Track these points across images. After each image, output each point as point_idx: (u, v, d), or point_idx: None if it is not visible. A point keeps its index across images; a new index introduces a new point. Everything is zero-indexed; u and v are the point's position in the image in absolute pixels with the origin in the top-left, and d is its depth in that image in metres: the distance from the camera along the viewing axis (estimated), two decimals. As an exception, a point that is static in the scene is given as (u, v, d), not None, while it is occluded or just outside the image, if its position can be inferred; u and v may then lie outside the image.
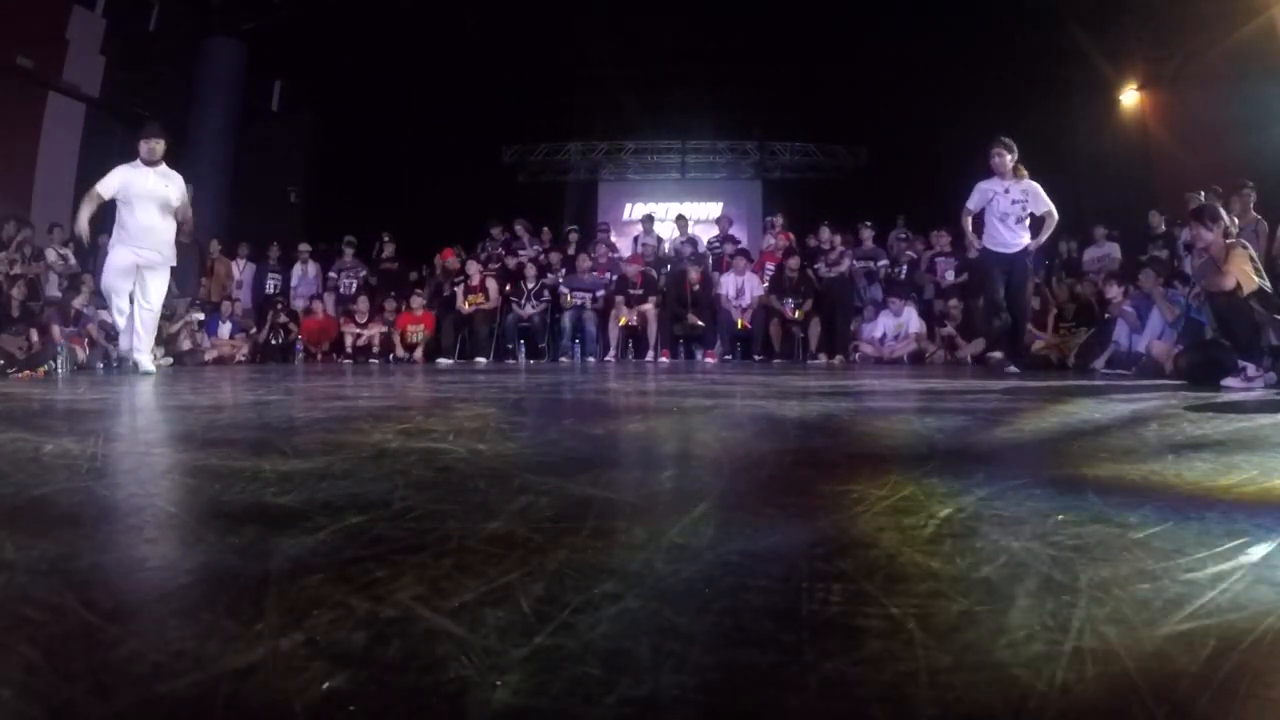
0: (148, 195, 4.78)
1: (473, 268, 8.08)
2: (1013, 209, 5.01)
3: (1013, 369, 4.87)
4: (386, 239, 8.97)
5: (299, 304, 8.65)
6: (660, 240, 9.56)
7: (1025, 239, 5.07)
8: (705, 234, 9.89)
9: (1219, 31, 6.74)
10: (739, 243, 9.01)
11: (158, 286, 4.90)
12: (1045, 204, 5.00)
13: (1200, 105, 6.88)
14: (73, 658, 0.52)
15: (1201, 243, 4.13)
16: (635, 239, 9.44)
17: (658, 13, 9.35)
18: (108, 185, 4.76)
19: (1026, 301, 5.36)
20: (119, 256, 4.82)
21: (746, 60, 10.16)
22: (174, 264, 5.00)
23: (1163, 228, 6.79)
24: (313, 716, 0.44)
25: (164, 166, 4.87)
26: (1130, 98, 8.34)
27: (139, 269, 4.82)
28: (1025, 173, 5.03)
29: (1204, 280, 4.07)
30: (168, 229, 4.88)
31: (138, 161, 4.83)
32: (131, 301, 4.86)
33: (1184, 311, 4.90)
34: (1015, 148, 5.02)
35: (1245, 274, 3.74)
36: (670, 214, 11.63)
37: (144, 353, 4.89)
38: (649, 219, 9.79)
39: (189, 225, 5.10)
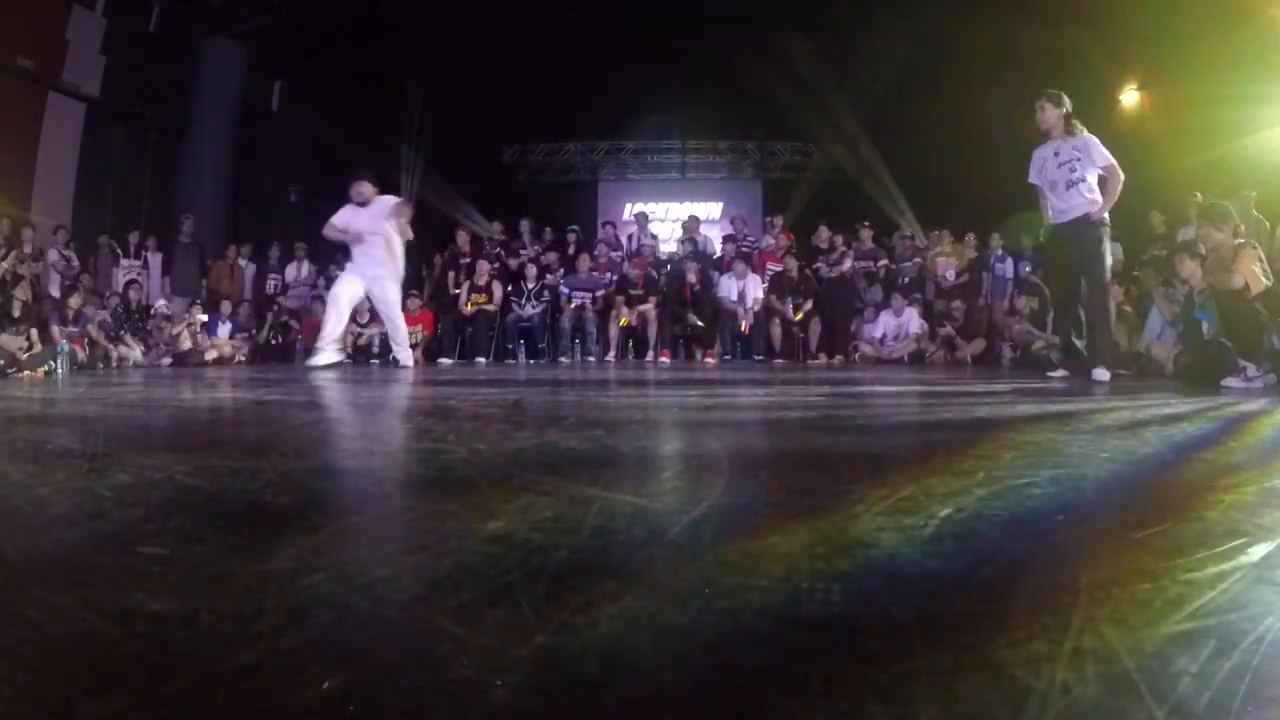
0: (362, 230, 5.55)
1: (482, 266, 8.08)
2: (1060, 173, 4.16)
3: (1098, 374, 3.92)
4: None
5: (293, 302, 8.63)
6: (656, 238, 9.54)
7: (1086, 206, 4.09)
8: (708, 231, 9.86)
9: (1219, 31, 6.74)
10: (741, 240, 8.96)
11: (387, 295, 5.66)
12: (1102, 158, 4.07)
13: (1200, 105, 6.88)
14: (73, 658, 0.52)
15: (1210, 243, 4.10)
16: (630, 237, 9.44)
17: (658, 12, 9.35)
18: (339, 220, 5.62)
19: (1098, 284, 4.14)
20: (348, 278, 5.67)
21: (746, 60, 10.15)
22: (398, 278, 5.75)
23: (1163, 228, 6.78)
24: (313, 716, 0.44)
25: (375, 202, 5.60)
26: (1130, 98, 8.34)
27: (368, 286, 5.62)
28: (1080, 128, 4.18)
29: (1211, 278, 4.05)
30: (385, 253, 5.57)
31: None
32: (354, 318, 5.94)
33: (1184, 311, 4.86)
34: (1064, 100, 4.18)
35: (1254, 274, 3.73)
36: (670, 214, 11.63)
37: (404, 360, 5.81)
38: (643, 216, 9.77)
39: (402, 224, 5.62)
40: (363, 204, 5.61)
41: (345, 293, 5.60)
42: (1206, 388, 3.39)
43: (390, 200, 5.67)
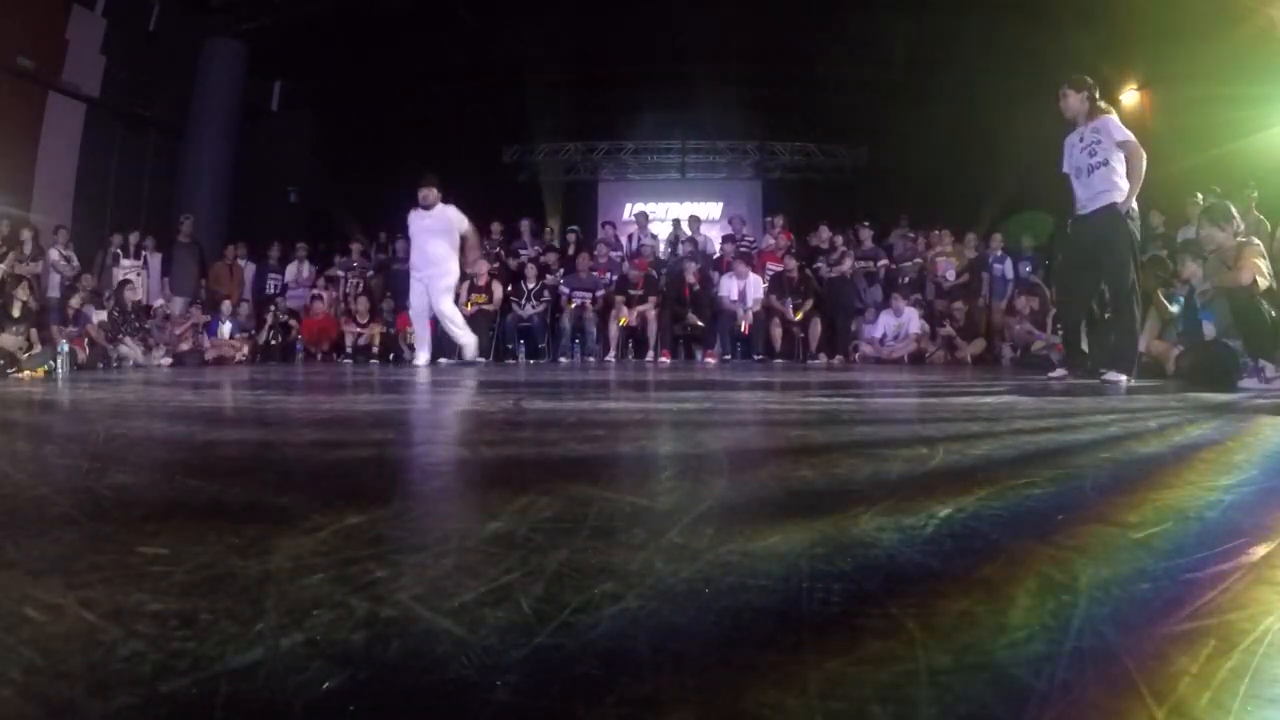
0: (423, 231, 5.91)
1: (481, 266, 8.09)
2: (1083, 158, 3.95)
3: (1111, 376, 3.69)
4: (399, 237, 9.02)
5: (292, 302, 8.63)
6: (656, 238, 9.55)
7: (1113, 192, 3.82)
8: (708, 231, 9.85)
9: (1219, 31, 6.74)
10: (740, 240, 8.95)
11: (435, 293, 5.90)
12: (1120, 133, 3.83)
13: (1200, 105, 6.88)
14: (73, 658, 0.52)
15: (1212, 244, 4.04)
16: (630, 237, 9.44)
17: (658, 13, 9.35)
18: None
19: (1122, 280, 3.84)
20: (414, 289, 6.00)
21: (746, 60, 10.15)
22: (452, 279, 5.99)
23: (1162, 228, 6.78)
24: (313, 716, 0.44)
25: (438, 207, 5.88)
26: (1130, 98, 8.34)
27: (425, 283, 5.91)
28: (1104, 109, 3.95)
29: (1215, 278, 3.99)
30: (443, 254, 5.88)
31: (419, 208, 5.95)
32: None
33: (1184, 311, 4.84)
34: (1085, 83, 3.98)
35: (1259, 269, 3.66)
36: (670, 214, 11.62)
37: (467, 345, 6.05)
38: (643, 216, 9.77)
39: (471, 243, 6.11)
40: (427, 208, 5.91)
41: (418, 303, 6.02)
42: (1205, 388, 3.38)
43: (455, 214, 5.95)
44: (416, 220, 5.98)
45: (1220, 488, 1.09)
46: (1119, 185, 3.83)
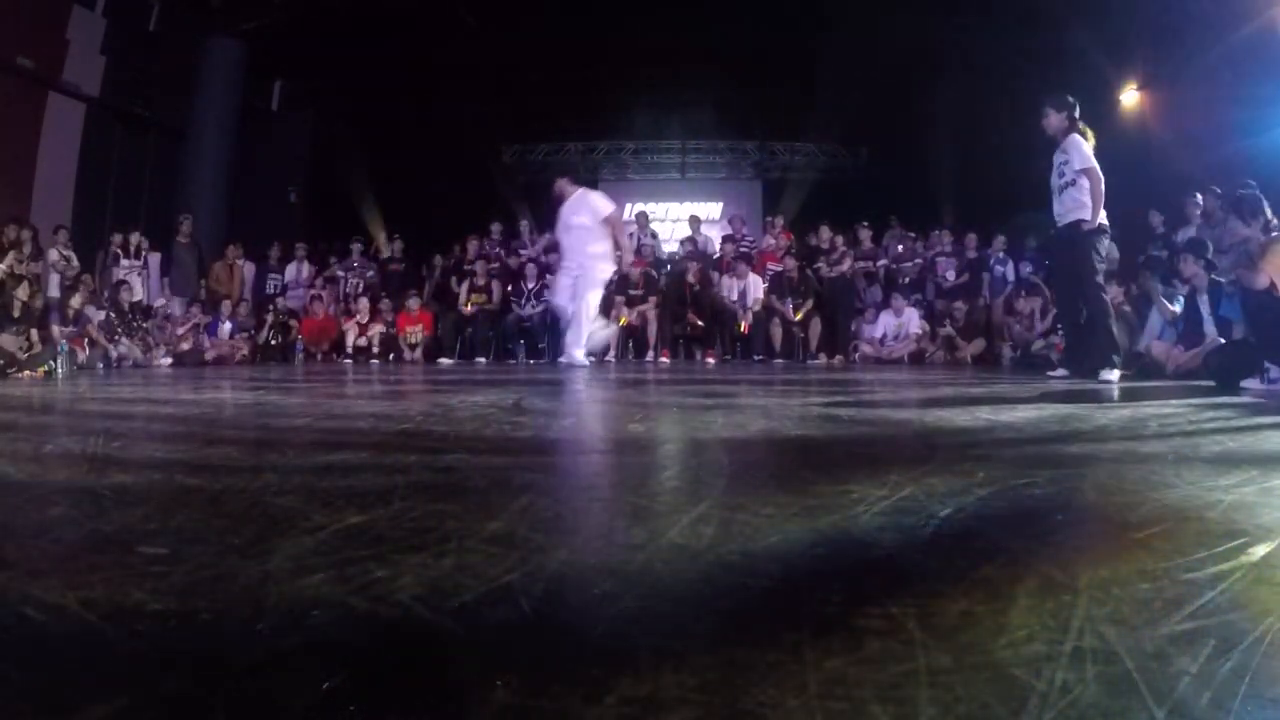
0: (565, 224, 5.79)
1: (480, 266, 8.09)
2: (1053, 178, 4.13)
3: (1108, 376, 3.86)
4: (395, 238, 9.04)
5: (292, 302, 8.63)
6: (656, 238, 9.54)
7: (1079, 211, 3.99)
8: (709, 231, 9.85)
9: (1219, 31, 6.74)
10: (740, 240, 8.95)
11: (582, 289, 5.68)
12: (1081, 160, 3.96)
13: (1200, 105, 6.87)
14: (73, 658, 0.52)
15: (1236, 237, 3.98)
16: (630, 236, 9.42)
17: (659, 13, 9.35)
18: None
19: (1089, 289, 4.05)
20: (561, 284, 5.84)
21: (746, 60, 10.14)
22: (605, 271, 5.78)
23: (1162, 228, 6.78)
24: (313, 716, 0.44)
25: (576, 195, 5.77)
26: (1130, 98, 8.33)
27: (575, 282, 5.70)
28: (1078, 130, 4.06)
29: (1237, 273, 3.95)
30: (591, 242, 5.65)
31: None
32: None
33: (1184, 311, 4.82)
34: (1066, 102, 4.10)
35: None
36: (670, 214, 11.62)
37: (576, 346, 5.69)
38: (643, 216, 9.77)
39: (618, 229, 5.87)
40: (561, 201, 5.82)
41: (562, 296, 5.79)
42: (1207, 388, 3.38)
43: (597, 198, 5.84)
44: (560, 216, 5.86)
45: (1220, 488, 1.09)
46: (1085, 204, 3.99)
